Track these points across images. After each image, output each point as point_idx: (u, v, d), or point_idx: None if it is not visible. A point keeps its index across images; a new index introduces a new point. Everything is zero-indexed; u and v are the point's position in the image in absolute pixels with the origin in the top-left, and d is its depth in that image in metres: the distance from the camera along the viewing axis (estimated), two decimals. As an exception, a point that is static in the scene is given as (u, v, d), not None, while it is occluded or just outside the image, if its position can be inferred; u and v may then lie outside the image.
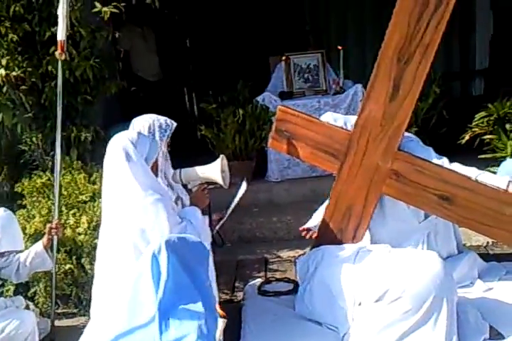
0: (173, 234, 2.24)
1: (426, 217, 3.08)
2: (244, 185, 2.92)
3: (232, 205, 2.89)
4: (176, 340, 1.95)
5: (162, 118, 2.84)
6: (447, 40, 6.07)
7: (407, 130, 4.25)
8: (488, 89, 5.69)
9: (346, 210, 2.95)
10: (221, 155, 2.78)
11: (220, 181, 2.70)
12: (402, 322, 2.56)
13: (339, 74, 4.61)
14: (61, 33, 2.84)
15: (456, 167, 2.89)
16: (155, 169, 2.62)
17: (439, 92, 4.47)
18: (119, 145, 2.47)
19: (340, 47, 4.55)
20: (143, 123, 2.80)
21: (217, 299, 2.56)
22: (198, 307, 2.05)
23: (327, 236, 3.04)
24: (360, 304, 2.69)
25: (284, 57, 4.63)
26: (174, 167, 3.15)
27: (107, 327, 2.10)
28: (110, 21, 4.33)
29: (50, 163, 3.80)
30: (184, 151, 4.81)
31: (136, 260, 2.31)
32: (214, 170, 2.70)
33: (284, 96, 4.60)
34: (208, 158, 4.67)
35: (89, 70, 3.71)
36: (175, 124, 2.86)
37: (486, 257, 3.56)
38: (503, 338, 2.64)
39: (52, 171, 3.77)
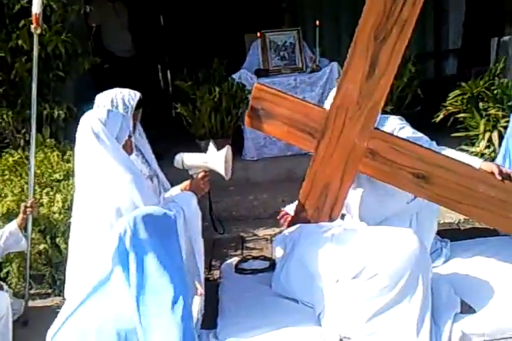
0: (138, 211, 2.22)
1: (415, 197, 3.10)
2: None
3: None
4: (152, 316, 1.94)
5: (125, 91, 2.77)
6: (422, 20, 6.08)
7: (382, 108, 4.33)
8: (460, 69, 5.74)
9: (323, 189, 2.96)
10: (227, 146, 2.72)
11: (222, 172, 2.67)
12: (378, 299, 2.60)
13: (315, 51, 4.58)
14: (36, 6, 2.74)
15: (448, 152, 2.90)
16: (129, 146, 2.58)
17: (414, 71, 4.48)
18: (88, 124, 2.42)
19: (317, 23, 4.52)
20: (105, 97, 2.74)
21: (202, 278, 2.57)
22: (169, 285, 2.04)
23: (304, 215, 3.05)
24: (337, 281, 2.72)
25: (259, 34, 4.57)
26: (151, 143, 3.10)
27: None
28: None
29: (22, 141, 3.73)
30: (159, 129, 4.77)
31: None
32: (218, 161, 2.65)
33: (260, 73, 4.56)
34: (183, 137, 4.64)
35: (61, 45, 3.61)
36: (138, 95, 2.79)
37: (457, 233, 3.66)
38: (474, 312, 2.70)
39: (24, 149, 3.70)
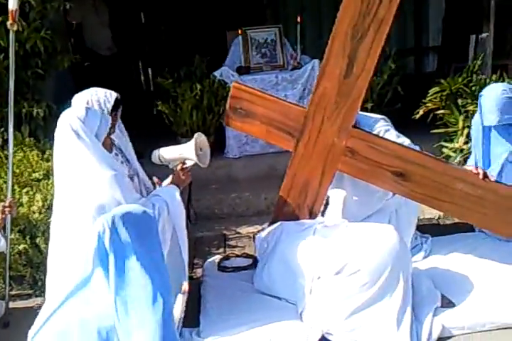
0: (117, 209, 2.21)
1: (394, 194, 3.13)
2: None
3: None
4: (132, 315, 1.95)
5: (101, 92, 2.73)
6: (402, 16, 6.12)
7: (362, 105, 4.35)
8: (440, 66, 5.78)
9: (303, 187, 2.99)
10: (196, 133, 2.73)
11: (196, 160, 2.67)
12: (359, 295, 2.63)
13: (296, 49, 4.59)
14: (13, 2, 2.70)
15: None
16: (108, 144, 2.57)
17: (394, 68, 4.51)
18: (66, 122, 2.42)
19: (299, 20, 4.52)
20: (81, 98, 2.71)
21: (186, 276, 2.57)
22: (149, 284, 2.05)
23: (284, 213, 3.08)
24: (319, 278, 2.74)
25: (240, 31, 4.56)
26: (132, 141, 3.09)
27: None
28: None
29: (0, 140, 3.68)
30: (140, 127, 4.74)
31: None
32: (189, 150, 2.66)
33: (242, 71, 4.55)
34: (164, 135, 4.60)
35: (40, 43, 3.58)
36: (114, 95, 2.77)
37: (437, 229, 3.70)
38: (454, 306, 2.75)
39: (2, 148, 3.66)
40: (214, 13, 6.05)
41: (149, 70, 6.13)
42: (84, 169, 2.37)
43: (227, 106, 2.97)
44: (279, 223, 3.05)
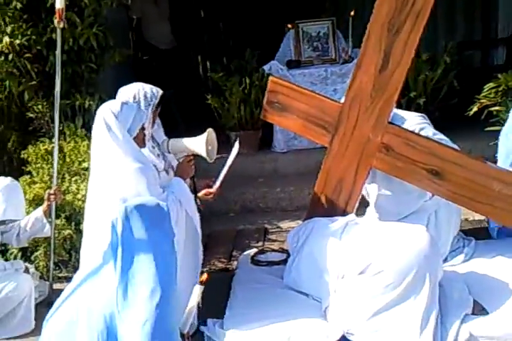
0: (131, 201, 2.27)
1: (433, 195, 3.02)
2: (236, 148, 2.89)
3: (224, 169, 2.86)
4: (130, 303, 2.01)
5: (148, 87, 2.81)
6: (469, 7, 5.85)
7: (414, 101, 4.21)
8: (509, 59, 5.47)
9: (337, 183, 2.95)
10: (209, 129, 2.77)
11: (204, 155, 2.71)
12: (383, 296, 2.57)
13: (348, 42, 4.50)
14: (59, 1, 2.84)
15: None
16: (141, 139, 2.65)
17: (451, 62, 4.32)
18: (101, 116, 2.51)
19: (352, 13, 4.42)
20: (128, 92, 2.80)
21: (199, 265, 2.62)
22: (152, 274, 2.10)
23: (318, 209, 3.05)
24: (343, 276, 2.70)
25: (291, 25, 4.54)
26: (181, 134, 3.16)
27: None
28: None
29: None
30: (193, 120, 4.84)
31: None
32: (200, 144, 2.70)
33: (292, 64, 4.52)
34: (213, 128, 4.68)
35: (93, 38, 3.73)
36: (161, 92, 2.83)
37: (486, 231, 3.53)
38: (487, 314, 2.62)
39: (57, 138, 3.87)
40: (273, 6, 6.03)
41: (208, 64, 6.21)
42: (111, 162, 2.44)
43: (265, 100, 2.98)
44: (311, 219, 3.03)
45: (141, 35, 5.52)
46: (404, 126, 2.91)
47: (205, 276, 2.45)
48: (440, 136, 2.93)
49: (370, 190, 3.20)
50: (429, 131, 2.95)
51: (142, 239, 2.10)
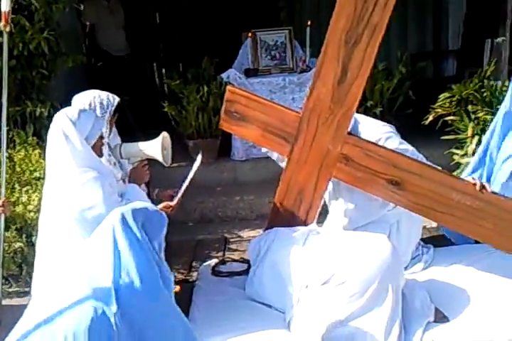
0: (131, 205, 2.19)
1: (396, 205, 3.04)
2: (198, 160, 2.85)
3: (186, 181, 2.81)
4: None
5: (104, 94, 2.74)
6: (420, 19, 6.00)
7: (371, 110, 4.27)
8: (459, 70, 5.64)
9: (297, 194, 2.94)
10: (163, 133, 2.72)
11: (160, 159, 2.66)
12: (347, 306, 2.56)
13: (305, 51, 4.53)
14: (5, 4, 2.72)
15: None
16: (99, 147, 2.57)
17: (406, 72, 4.40)
18: (57, 123, 2.43)
19: (309, 23, 4.45)
20: (83, 99, 2.72)
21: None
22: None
23: (279, 219, 3.03)
24: (306, 287, 2.68)
25: (250, 34, 4.53)
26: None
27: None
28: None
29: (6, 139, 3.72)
30: (149, 128, 4.75)
31: (82, 237, 2.33)
32: (155, 148, 2.65)
33: (250, 73, 4.51)
34: (171, 136, 4.60)
35: (44, 43, 3.61)
36: (117, 100, 2.76)
37: (444, 239, 3.59)
38: (448, 321, 2.65)
39: (7, 147, 3.70)
40: (229, 14, 6.02)
41: (163, 71, 6.13)
42: (67, 171, 2.38)
43: (222, 109, 2.93)
44: (272, 229, 3.00)
45: (94, 42, 5.39)
46: (371, 134, 2.92)
47: (177, 288, 2.39)
48: (406, 146, 2.96)
49: (332, 198, 3.20)
50: (396, 140, 2.97)
51: (143, 243, 2.03)
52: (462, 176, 3.10)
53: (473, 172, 3.12)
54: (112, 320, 1.92)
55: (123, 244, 2.03)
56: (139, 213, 2.10)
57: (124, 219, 2.06)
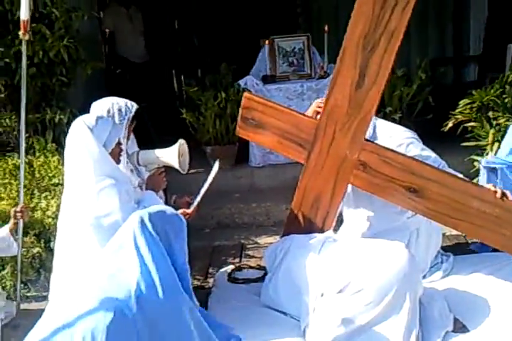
0: (150, 209, 2.21)
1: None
2: (216, 167, 2.84)
3: (203, 188, 2.80)
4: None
5: (122, 101, 2.75)
6: (441, 24, 5.94)
7: (390, 116, 4.22)
8: (481, 76, 5.56)
9: (314, 200, 2.91)
10: (180, 140, 2.72)
11: (176, 166, 2.66)
12: (363, 315, 2.53)
13: (323, 58, 4.51)
14: (24, 13, 2.76)
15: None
16: (117, 154, 2.58)
17: (425, 78, 4.36)
18: (75, 130, 2.45)
19: (326, 29, 4.44)
20: (102, 106, 2.74)
21: None
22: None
23: (296, 226, 3.01)
24: (322, 295, 2.66)
25: (267, 40, 4.53)
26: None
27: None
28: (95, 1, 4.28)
29: (26, 145, 3.77)
30: (167, 134, 4.77)
31: (99, 244, 2.34)
32: (171, 155, 2.65)
33: (267, 80, 4.51)
34: (189, 143, 4.64)
35: (64, 51, 3.65)
36: (136, 107, 2.78)
37: (465, 246, 3.53)
38: (468, 331, 2.60)
39: (26, 153, 3.76)
40: (248, 21, 6.03)
41: (182, 78, 6.17)
42: (84, 178, 2.40)
43: (239, 116, 2.93)
44: (288, 236, 2.98)
45: (114, 49, 5.45)
46: (393, 140, 2.90)
47: None
48: (428, 153, 2.92)
49: (349, 205, 3.17)
50: (418, 146, 2.94)
51: (161, 246, 2.05)
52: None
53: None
54: (132, 320, 1.94)
55: (143, 247, 2.06)
56: (156, 216, 2.12)
57: (142, 222, 2.08)
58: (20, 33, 2.64)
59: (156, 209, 2.12)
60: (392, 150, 2.75)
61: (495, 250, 3.08)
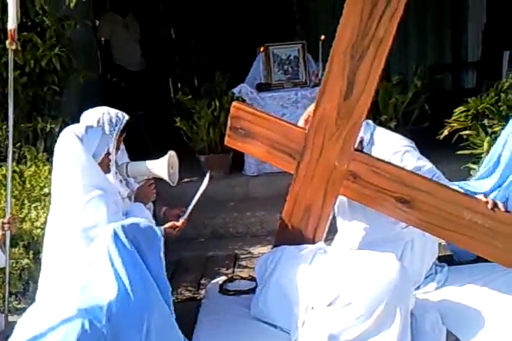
0: (124, 221, 2.21)
1: None
2: (206, 180, 2.83)
3: (193, 200, 2.79)
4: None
5: (113, 112, 2.73)
6: (439, 30, 5.91)
7: (385, 124, 4.18)
8: (479, 82, 5.52)
9: (305, 210, 2.87)
10: (170, 152, 2.70)
11: (166, 178, 2.64)
12: (353, 328, 2.49)
13: (318, 65, 4.48)
14: (11, 22, 2.75)
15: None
16: (106, 164, 2.56)
17: (422, 86, 4.32)
18: (64, 139, 2.43)
19: (322, 38, 4.41)
20: (92, 116, 2.72)
21: None
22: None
23: (286, 237, 2.96)
24: (312, 308, 2.61)
25: (262, 48, 4.50)
26: (151, 157, 3.06)
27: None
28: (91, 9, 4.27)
29: (17, 155, 3.76)
30: (165, 143, 4.75)
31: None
32: (161, 167, 2.63)
33: (262, 88, 4.48)
34: (183, 151, 4.61)
35: (56, 60, 3.63)
36: (126, 118, 2.76)
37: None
38: (460, 345, 2.56)
39: (18, 163, 3.74)
40: (245, 29, 6.02)
41: (179, 86, 6.15)
42: (71, 189, 2.38)
43: (228, 125, 2.90)
44: (279, 247, 2.94)
45: (109, 57, 5.43)
46: (389, 147, 2.87)
47: None
48: (424, 162, 2.88)
49: (342, 215, 3.13)
50: (414, 155, 2.90)
51: (136, 258, 2.05)
52: (472, 180, 2.98)
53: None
54: (101, 332, 1.94)
55: (116, 260, 2.07)
56: (130, 228, 2.11)
57: (116, 234, 2.08)
58: (8, 42, 2.62)
59: (130, 221, 2.12)
60: (383, 161, 2.70)
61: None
